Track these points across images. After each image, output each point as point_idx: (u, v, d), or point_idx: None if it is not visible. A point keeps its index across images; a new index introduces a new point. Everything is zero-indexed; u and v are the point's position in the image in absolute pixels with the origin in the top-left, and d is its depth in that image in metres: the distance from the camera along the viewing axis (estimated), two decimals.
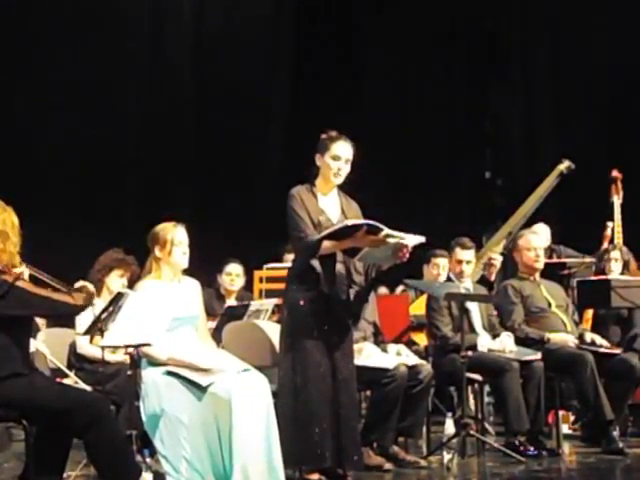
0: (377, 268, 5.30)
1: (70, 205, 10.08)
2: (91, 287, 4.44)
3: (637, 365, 6.54)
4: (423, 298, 6.99)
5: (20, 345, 4.29)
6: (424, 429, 6.40)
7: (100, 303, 5.45)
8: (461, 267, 6.63)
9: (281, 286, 5.65)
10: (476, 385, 6.58)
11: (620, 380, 6.55)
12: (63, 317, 5.25)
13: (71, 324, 6.12)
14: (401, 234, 5.04)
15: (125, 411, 5.65)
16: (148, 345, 4.81)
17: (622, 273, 7.12)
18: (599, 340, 6.79)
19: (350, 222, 5.06)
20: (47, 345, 6.17)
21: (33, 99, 10.02)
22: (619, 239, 8.30)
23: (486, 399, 7.52)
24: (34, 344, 5.81)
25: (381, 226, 5.00)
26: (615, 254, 7.21)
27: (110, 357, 6.00)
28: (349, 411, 5.20)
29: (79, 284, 4.37)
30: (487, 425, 7.36)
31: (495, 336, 6.48)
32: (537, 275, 6.87)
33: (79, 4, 10.49)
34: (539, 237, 7.13)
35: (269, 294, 7.05)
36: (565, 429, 7.20)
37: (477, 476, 5.71)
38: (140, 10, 10.94)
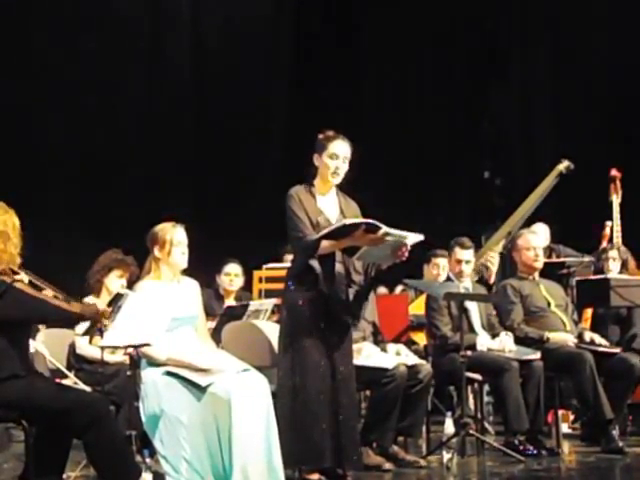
0: (377, 267, 5.30)
1: (70, 205, 10.08)
2: (100, 305, 4.46)
3: (636, 364, 6.54)
4: (422, 298, 6.99)
5: (19, 346, 4.29)
6: (424, 429, 6.40)
7: (99, 304, 5.45)
8: (460, 267, 6.63)
9: (280, 286, 5.64)
10: (475, 385, 6.57)
11: (619, 379, 6.55)
12: (60, 324, 5.22)
13: None
14: (400, 232, 5.05)
15: (125, 411, 5.65)
16: (147, 345, 4.80)
17: (620, 272, 7.13)
18: (598, 339, 6.79)
19: (348, 221, 5.06)
20: (46, 346, 6.14)
21: (33, 99, 10.03)
22: (618, 238, 8.30)
23: (485, 399, 7.51)
24: (33, 345, 5.80)
25: (379, 224, 4.99)
26: (613, 253, 7.22)
27: (109, 357, 6.00)
28: (348, 411, 5.19)
29: (88, 300, 4.37)
30: (487, 425, 7.36)
31: (494, 336, 6.48)
32: (536, 274, 6.87)
33: (79, 4, 10.51)
34: (538, 237, 7.13)
35: (268, 294, 7.05)
36: (565, 428, 7.21)
37: (477, 476, 5.72)
38: (140, 10, 10.94)
